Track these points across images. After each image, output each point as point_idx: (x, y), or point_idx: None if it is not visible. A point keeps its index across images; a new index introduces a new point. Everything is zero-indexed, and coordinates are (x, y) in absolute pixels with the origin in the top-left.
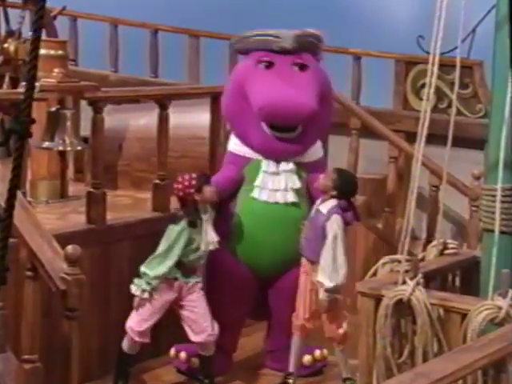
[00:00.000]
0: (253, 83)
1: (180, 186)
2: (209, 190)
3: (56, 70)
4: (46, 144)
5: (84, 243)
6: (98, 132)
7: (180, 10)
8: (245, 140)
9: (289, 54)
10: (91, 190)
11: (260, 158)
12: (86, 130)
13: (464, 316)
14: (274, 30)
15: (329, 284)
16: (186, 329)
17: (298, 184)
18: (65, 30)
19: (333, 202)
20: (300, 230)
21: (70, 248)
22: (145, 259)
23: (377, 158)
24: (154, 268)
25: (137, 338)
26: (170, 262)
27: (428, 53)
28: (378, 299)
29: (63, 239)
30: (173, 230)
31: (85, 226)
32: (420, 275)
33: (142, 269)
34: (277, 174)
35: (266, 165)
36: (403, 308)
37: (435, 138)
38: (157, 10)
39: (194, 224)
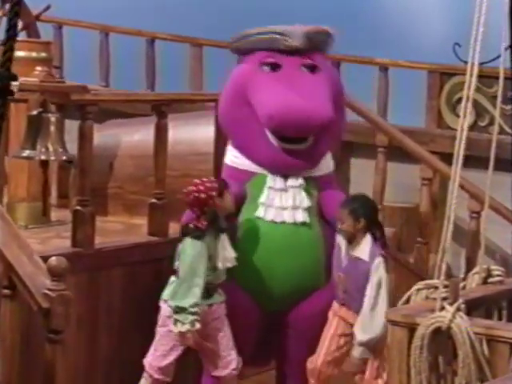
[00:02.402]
0: (257, 88)
1: (202, 188)
2: (229, 198)
3: (39, 68)
4: (27, 153)
5: (68, 269)
6: (85, 141)
7: (179, 15)
8: (247, 152)
9: (297, 54)
10: (78, 208)
11: (264, 172)
12: (70, 150)
13: None
14: (279, 26)
15: (362, 337)
16: (206, 362)
17: (307, 202)
18: (48, 38)
19: (368, 241)
20: (314, 254)
21: (53, 260)
22: (139, 290)
23: (407, 183)
24: (185, 297)
25: (156, 376)
26: (197, 288)
27: (466, 62)
28: (411, 329)
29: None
30: (194, 247)
31: (69, 249)
32: (461, 300)
33: (174, 303)
34: (284, 190)
35: (272, 180)
36: (442, 338)
37: (474, 160)
38: (153, 16)
39: (213, 236)
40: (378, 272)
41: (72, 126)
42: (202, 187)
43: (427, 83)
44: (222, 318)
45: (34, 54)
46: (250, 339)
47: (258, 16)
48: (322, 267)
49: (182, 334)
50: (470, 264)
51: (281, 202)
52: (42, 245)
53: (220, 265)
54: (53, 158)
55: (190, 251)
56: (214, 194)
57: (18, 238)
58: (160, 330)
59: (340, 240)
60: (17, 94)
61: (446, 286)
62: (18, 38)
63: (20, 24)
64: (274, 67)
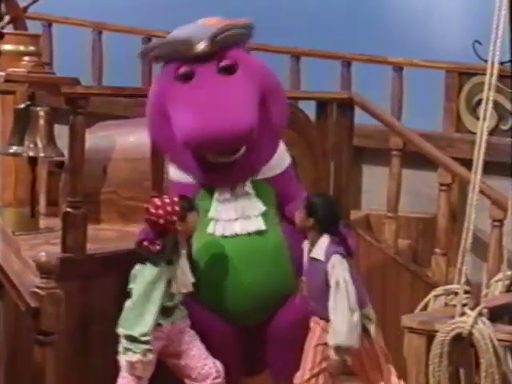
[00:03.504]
0: (173, 105)
1: (161, 212)
2: (193, 219)
3: (26, 58)
4: (14, 149)
5: (58, 276)
6: (77, 138)
7: (176, 11)
8: (182, 169)
9: (210, 56)
10: (68, 210)
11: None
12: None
13: None
14: (185, 30)
15: (330, 341)
16: (186, 381)
17: (260, 207)
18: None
19: (325, 241)
20: (277, 260)
21: (43, 256)
22: None
23: (423, 192)
24: (136, 326)
25: None
26: (150, 315)
27: (486, 61)
28: (430, 336)
29: None
30: (149, 272)
31: (59, 255)
32: (483, 304)
33: (123, 331)
34: (232, 200)
35: (219, 191)
36: (463, 345)
37: (495, 166)
38: (149, 12)
39: (171, 261)
40: (335, 271)
41: (62, 132)
42: (161, 211)
43: (445, 84)
44: (187, 331)
45: (21, 48)
46: (233, 357)
47: (269, 16)
48: (291, 272)
49: (131, 364)
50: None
51: (228, 215)
52: (30, 251)
53: (174, 290)
54: (42, 154)
55: (145, 276)
56: (174, 218)
57: (5, 232)
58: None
59: (305, 243)
60: (3, 86)
61: (466, 292)
62: (5, 31)
63: (7, 17)
64: (187, 78)
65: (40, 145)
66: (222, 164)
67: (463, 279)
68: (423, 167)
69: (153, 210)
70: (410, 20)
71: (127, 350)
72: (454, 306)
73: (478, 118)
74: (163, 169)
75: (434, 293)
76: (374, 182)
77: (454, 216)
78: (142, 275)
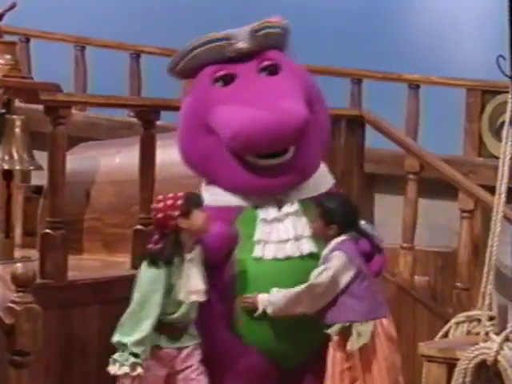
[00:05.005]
0: (215, 111)
1: (160, 206)
2: (200, 217)
3: (1, 61)
4: None
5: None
6: (57, 151)
7: (166, 26)
8: (222, 184)
9: (250, 57)
10: (47, 231)
11: (251, 204)
12: (39, 177)
13: None
14: (219, 32)
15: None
16: None
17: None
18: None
19: (338, 239)
20: None
21: (19, 267)
22: None
23: (442, 224)
24: (131, 332)
25: None
26: (147, 321)
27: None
28: (451, 365)
29: None
30: (146, 273)
31: (37, 281)
32: (510, 329)
33: (116, 338)
34: (280, 220)
35: (264, 211)
36: (488, 373)
37: None
38: (136, 26)
39: (170, 262)
40: (331, 262)
41: (42, 159)
42: (161, 205)
43: (466, 103)
44: (196, 366)
45: None
46: None
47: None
48: None
49: (117, 379)
50: None
51: (279, 235)
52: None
53: (182, 297)
54: (18, 167)
55: (143, 279)
56: (175, 213)
57: None
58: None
59: None
60: None
61: (491, 318)
62: None
63: None
64: (228, 80)
65: (16, 156)
66: (268, 167)
67: (487, 301)
68: (442, 196)
69: (154, 205)
70: (427, 34)
71: (115, 360)
72: (478, 334)
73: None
74: (152, 191)
75: (454, 320)
76: (388, 213)
77: (477, 249)
78: (140, 278)
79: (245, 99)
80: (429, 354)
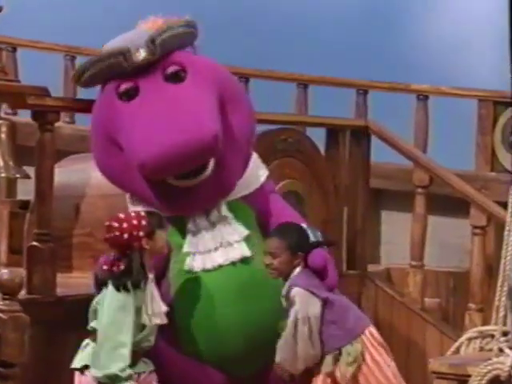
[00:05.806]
0: (121, 128)
1: (125, 226)
2: (163, 237)
3: None
4: None
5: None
6: (45, 158)
7: None
8: (144, 201)
9: (153, 65)
10: (34, 243)
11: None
12: (26, 193)
13: None
14: (117, 41)
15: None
16: None
17: (241, 232)
18: None
19: (296, 272)
20: (277, 295)
21: (5, 273)
22: None
23: (453, 243)
24: (111, 362)
25: None
26: (124, 349)
27: None
28: (462, 382)
29: None
30: (114, 297)
31: (24, 296)
32: None
33: (96, 372)
34: (207, 229)
35: (191, 221)
36: None
37: None
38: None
39: (138, 284)
40: (295, 307)
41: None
42: (125, 225)
43: (477, 115)
44: None
45: None
46: None
47: (274, 41)
48: None
49: None
50: None
51: (206, 245)
52: None
53: (147, 321)
54: (3, 174)
55: (110, 304)
56: (140, 234)
57: None
58: None
59: None
60: None
61: (505, 334)
62: None
63: None
64: (132, 95)
65: (1, 163)
66: (189, 188)
67: (501, 314)
68: (452, 213)
69: (115, 225)
70: (436, 44)
71: None
72: (491, 350)
73: None
74: None
75: (466, 335)
76: (396, 232)
77: (490, 268)
78: (106, 304)
79: (150, 118)
80: (439, 370)
